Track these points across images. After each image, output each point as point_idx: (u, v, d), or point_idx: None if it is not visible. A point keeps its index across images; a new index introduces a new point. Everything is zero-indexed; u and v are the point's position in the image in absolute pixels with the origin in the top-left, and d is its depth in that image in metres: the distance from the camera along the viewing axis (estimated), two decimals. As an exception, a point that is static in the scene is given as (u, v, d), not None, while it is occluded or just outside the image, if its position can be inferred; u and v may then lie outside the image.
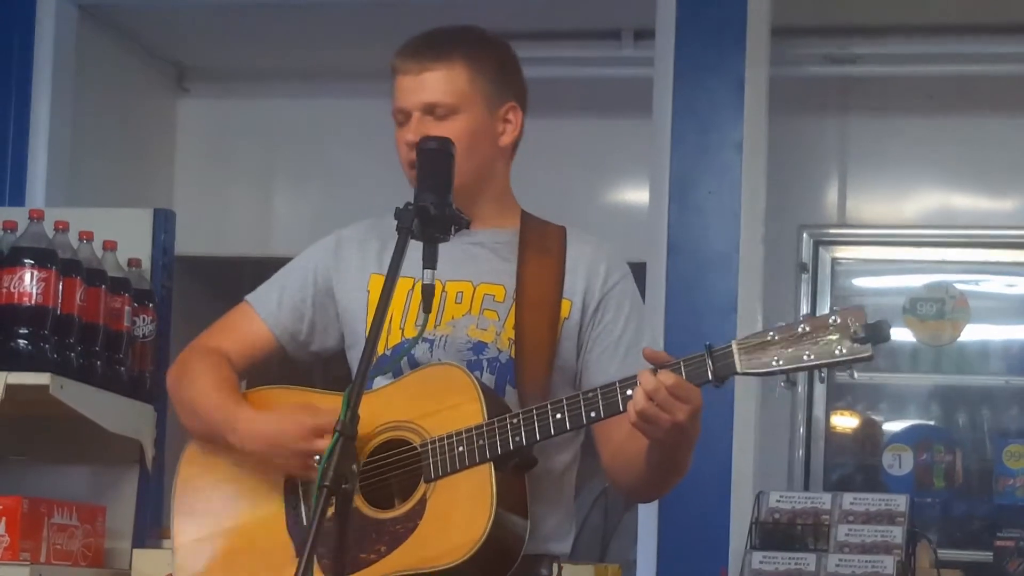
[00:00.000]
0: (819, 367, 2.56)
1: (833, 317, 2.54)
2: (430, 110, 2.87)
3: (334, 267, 2.96)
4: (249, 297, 3.01)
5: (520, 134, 2.96)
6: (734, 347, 2.57)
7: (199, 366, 2.92)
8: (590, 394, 2.66)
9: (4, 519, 3.62)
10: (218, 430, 2.85)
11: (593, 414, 2.65)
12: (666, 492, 2.87)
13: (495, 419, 2.68)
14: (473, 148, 2.86)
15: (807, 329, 2.54)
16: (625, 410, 2.62)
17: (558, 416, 2.67)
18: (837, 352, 2.53)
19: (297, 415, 2.76)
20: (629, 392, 2.61)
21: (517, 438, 2.67)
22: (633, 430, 2.64)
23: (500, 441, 2.67)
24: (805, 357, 2.54)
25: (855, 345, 2.52)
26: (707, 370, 2.58)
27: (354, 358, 2.92)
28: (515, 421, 2.67)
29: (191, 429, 2.94)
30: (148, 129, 6.37)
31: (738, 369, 2.57)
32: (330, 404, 2.73)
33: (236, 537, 2.84)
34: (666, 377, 2.57)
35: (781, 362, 2.55)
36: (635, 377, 2.61)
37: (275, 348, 2.98)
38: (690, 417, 2.59)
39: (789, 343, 2.55)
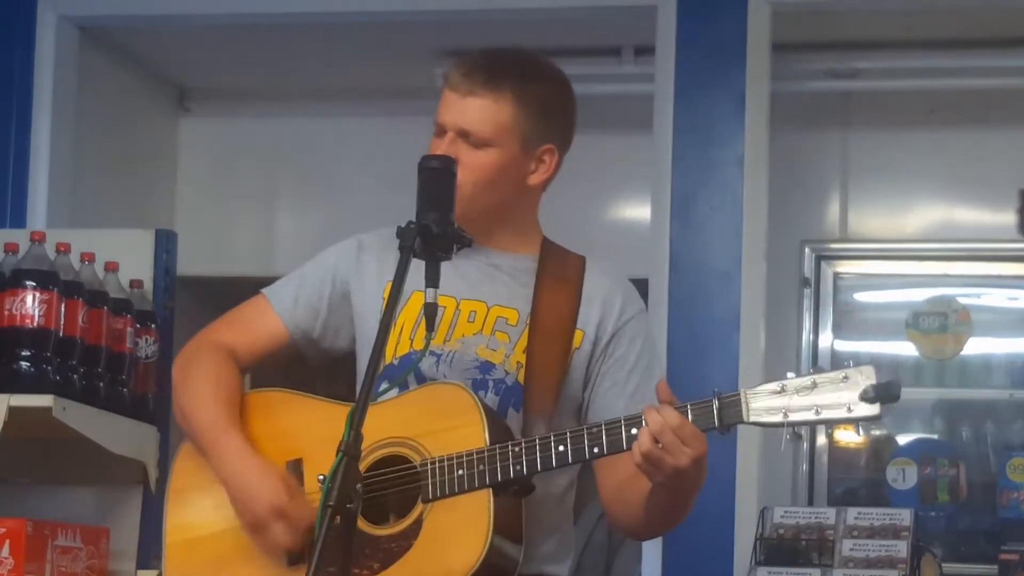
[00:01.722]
0: (827, 423, 2.57)
1: (844, 373, 2.55)
2: (465, 135, 2.84)
3: (354, 271, 2.96)
4: (266, 291, 3.01)
5: (553, 175, 2.94)
6: (743, 396, 2.58)
7: (202, 370, 2.92)
8: (594, 429, 2.65)
9: (8, 542, 3.61)
10: (202, 448, 2.85)
11: (596, 450, 2.65)
12: (664, 533, 2.87)
13: (497, 445, 2.67)
14: (496, 183, 2.85)
15: (817, 383, 2.56)
16: (628, 448, 2.62)
17: (560, 448, 2.66)
18: (846, 410, 2.54)
19: (274, 485, 2.74)
20: (634, 431, 2.61)
21: (518, 467, 2.66)
22: (635, 473, 2.65)
23: (501, 468, 2.66)
24: (814, 413, 2.55)
25: (864, 404, 2.54)
26: (714, 417, 2.59)
27: (363, 363, 2.92)
28: (517, 449, 2.67)
29: (183, 431, 2.95)
30: (149, 149, 6.37)
31: (746, 419, 2.58)
32: (323, 426, 2.72)
33: (227, 541, 2.83)
34: (672, 416, 2.57)
35: (789, 416, 2.56)
36: (640, 416, 2.61)
37: (287, 344, 2.97)
38: (693, 463, 2.58)
39: (798, 396, 2.56)
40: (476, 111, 2.84)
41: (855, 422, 2.56)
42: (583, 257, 2.96)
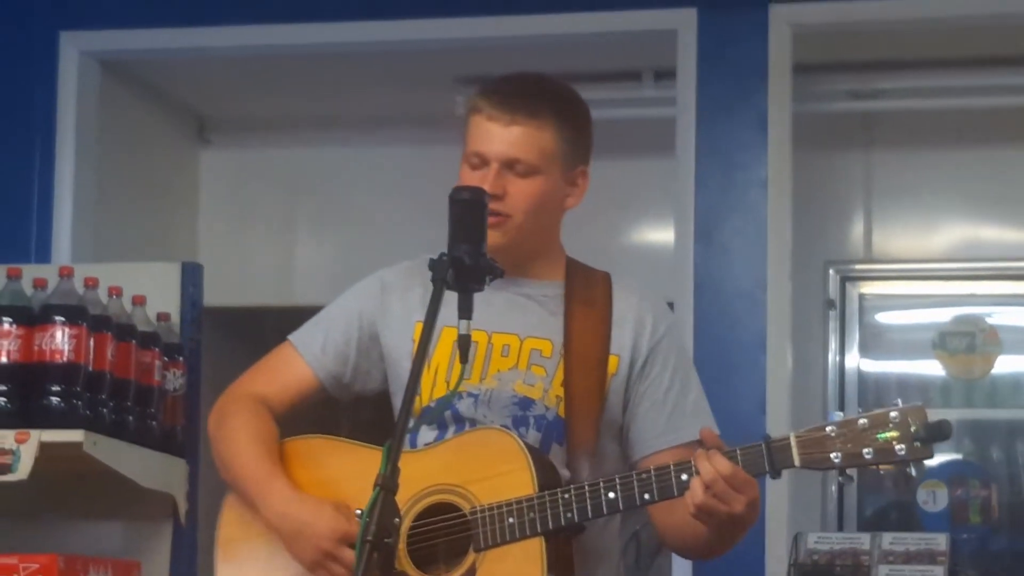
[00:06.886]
0: (879, 464, 2.56)
1: (894, 414, 2.55)
2: (511, 165, 2.82)
3: (379, 312, 2.95)
4: (292, 338, 3.00)
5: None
6: (792, 440, 2.58)
7: (238, 420, 2.91)
8: (644, 475, 2.66)
9: (40, 577, 3.60)
10: (249, 498, 2.84)
11: (647, 496, 2.65)
12: (722, 554, 2.86)
13: (547, 493, 2.67)
14: (542, 209, 2.85)
15: (866, 424, 2.55)
16: (678, 494, 2.62)
17: (611, 496, 2.66)
18: (898, 451, 2.54)
19: (332, 514, 2.74)
20: (684, 476, 2.61)
21: (569, 514, 2.66)
22: (690, 518, 2.64)
23: (551, 516, 2.66)
24: (864, 454, 2.56)
25: (915, 445, 2.54)
26: (764, 462, 2.59)
27: (398, 403, 2.90)
28: (567, 497, 2.67)
29: (227, 483, 2.93)
30: (171, 181, 6.37)
31: (796, 464, 2.58)
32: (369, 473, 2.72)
33: None
34: (722, 466, 2.56)
35: (840, 458, 2.56)
36: (690, 462, 2.61)
37: (317, 390, 2.98)
38: (747, 508, 2.59)
39: (848, 439, 2.56)
40: (522, 139, 2.83)
41: (907, 463, 2.55)
42: (607, 274, 2.96)
